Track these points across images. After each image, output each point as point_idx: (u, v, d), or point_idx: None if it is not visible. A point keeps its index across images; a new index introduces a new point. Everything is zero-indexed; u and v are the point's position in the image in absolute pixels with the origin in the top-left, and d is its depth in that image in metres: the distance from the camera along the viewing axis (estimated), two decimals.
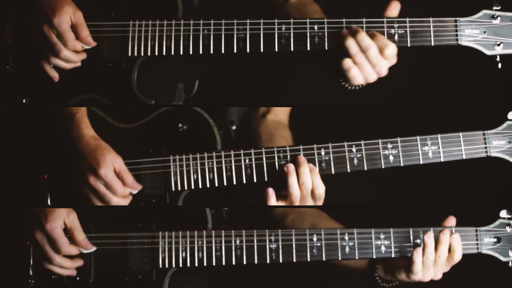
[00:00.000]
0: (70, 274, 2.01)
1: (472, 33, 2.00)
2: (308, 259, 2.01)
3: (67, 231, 2.00)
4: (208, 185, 2.02)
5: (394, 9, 2.02)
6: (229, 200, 2.12)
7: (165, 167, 2.03)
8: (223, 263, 2.01)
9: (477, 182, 2.44)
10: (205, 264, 2.01)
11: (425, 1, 2.38)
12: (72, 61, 2.04)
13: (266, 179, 2.01)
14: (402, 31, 2.00)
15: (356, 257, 2.01)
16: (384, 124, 2.44)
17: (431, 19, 2.00)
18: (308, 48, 2.02)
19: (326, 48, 2.03)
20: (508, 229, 2.03)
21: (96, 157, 1.97)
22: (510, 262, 2.02)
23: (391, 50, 1.97)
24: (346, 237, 2.02)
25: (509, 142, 2.01)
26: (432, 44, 2.00)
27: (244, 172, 2.01)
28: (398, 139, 2.00)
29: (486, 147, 2.01)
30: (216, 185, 2.01)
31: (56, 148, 2.04)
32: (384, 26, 2.01)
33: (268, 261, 2.01)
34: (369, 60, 1.98)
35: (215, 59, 2.09)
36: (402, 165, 2.01)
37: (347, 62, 1.99)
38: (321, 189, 1.98)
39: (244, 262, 2.01)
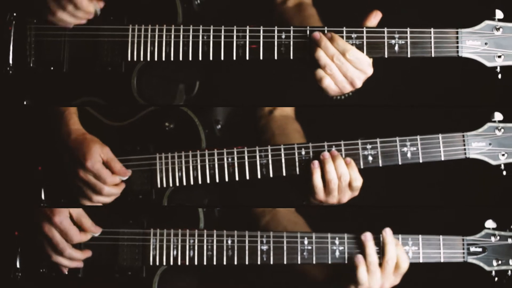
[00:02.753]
0: (78, 266, 2.01)
1: (473, 45, 2.00)
2: (299, 262, 2.03)
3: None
4: (192, 183, 2.03)
5: (374, 19, 2.01)
6: (227, 198, 2.14)
7: (151, 164, 2.05)
8: (214, 263, 2.01)
9: (460, 184, 2.48)
10: (196, 263, 2.01)
11: (427, 11, 2.41)
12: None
13: (247, 177, 2.03)
14: (403, 42, 2.00)
15: (346, 262, 2.03)
16: (364, 125, 2.46)
17: (432, 29, 2.00)
18: (308, 58, 2.02)
19: None
20: (493, 239, 2.07)
21: (82, 150, 1.98)
22: (493, 272, 2.07)
23: (353, 53, 1.97)
24: (337, 242, 2.03)
25: (490, 144, 2.03)
26: (433, 56, 2.00)
27: (227, 170, 2.03)
28: (378, 140, 2.02)
29: (465, 149, 2.03)
30: (200, 182, 2.03)
31: (48, 145, 2.04)
32: (385, 36, 2.01)
33: (259, 262, 2.02)
34: (339, 69, 1.98)
35: (215, 61, 2.09)
36: (380, 165, 2.03)
37: (318, 73, 2.00)
38: (358, 182, 1.99)
39: (235, 263, 2.01)
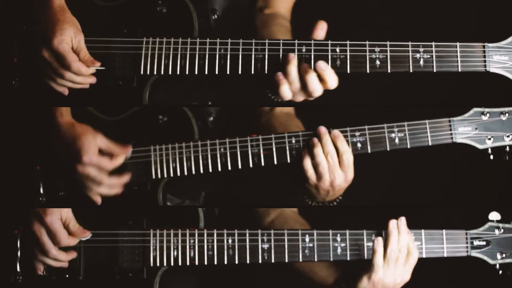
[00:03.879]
0: (63, 266, 2.00)
1: (500, 60, 1.97)
2: (300, 260, 2.01)
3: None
4: (186, 173, 2.03)
5: (321, 31, 1.97)
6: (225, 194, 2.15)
7: (146, 156, 2.05)
8: (215, 263, 2.00)
9: (455, 173, 2.47)
10: (196, 263, 2.00)
11: (450, 25, 2.37)
12: (79, 82, 1.99)
13: (240, 167, 2.02)
14: (428, 56, 1.96)
15: (348, 258, 2.02)
16: (353, 112, 2.44)
17: (458, 43, 1.96)
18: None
19: (348, 71, 1.99)
20: (497, 232, 2.05)
21: (77, 145, 1.98)
22: (497, 265, 2.05)
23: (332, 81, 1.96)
24: (338, 238, 2.02)
25: (476, 128, 2.02)
26: (459, 70, 1.97)
27: (219, 160, 2.02)
28: (366, 126, 2.02)
29: (451, 134, 2.02)
30: (193, 173, 2.03)
31: (43, 143, 2.04)
32: (409, 50, 1.97)
33: (260, 261, 2.00)
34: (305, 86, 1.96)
35: (228, 80, 2.07)
36: (369, 151, 2.02)
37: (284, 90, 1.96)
38: (348, 154, 1.98)
39: (236, 262, 2.00)
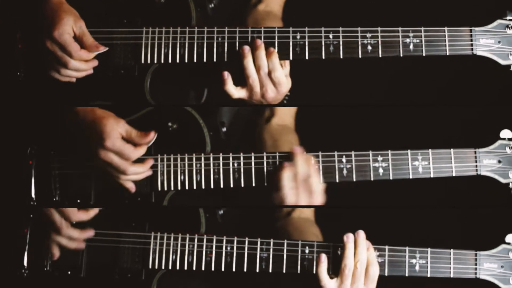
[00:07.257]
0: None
1: (487, 43, 1.99)
2: (298, 271, 1.97)
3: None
4: (194, 187, 2.00)
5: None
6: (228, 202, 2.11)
7: (152, 165, 2.01)
8: (212, 269, 1.99)
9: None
10: (194, 268, 1.99)
11: (438, 10, 2.40)
12: (83, 69, 2.01)
13: (253, 184, 1.99)
14: (417, 40, 1.99)
15: None
16: (377, 133, 2.40)
17: (446, 28, 2.00)
18: (323, 57, 2.01)
19: (341, 57, 2.01)
20: (511, 254, 1.95)
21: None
22: None
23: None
24: (339, 252, 1.97)
25: (499, 161, 1.97)
26: (447, 54, 1.99)
27: (232, 176, 1.99)
28: (389, 152, 1.97)
29: (476, 166, 1.97)
30: (203, 187, 2.00)
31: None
32: (399, 36, 1.99)
33: (257, 270, 1.98)
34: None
35: (223, 68, 2.06)
36: (391, 178, 1.97)
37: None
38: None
39: (234, 269, 1.99)
